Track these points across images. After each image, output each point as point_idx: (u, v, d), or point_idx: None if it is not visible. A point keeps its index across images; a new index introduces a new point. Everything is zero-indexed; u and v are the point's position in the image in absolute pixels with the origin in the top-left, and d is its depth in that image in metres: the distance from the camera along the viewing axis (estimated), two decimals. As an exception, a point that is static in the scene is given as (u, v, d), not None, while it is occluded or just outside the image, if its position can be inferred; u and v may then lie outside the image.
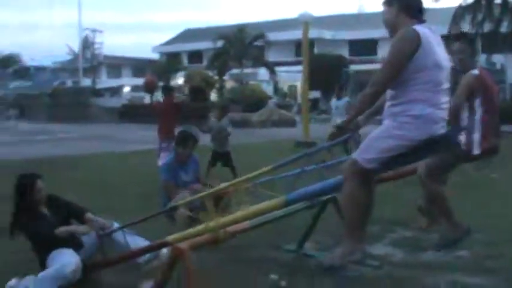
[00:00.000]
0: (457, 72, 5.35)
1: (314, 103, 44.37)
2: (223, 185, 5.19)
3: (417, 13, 4.52)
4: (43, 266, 5.36)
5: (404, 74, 4.31)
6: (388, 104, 4.52)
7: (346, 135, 4.73)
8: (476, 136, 5.08)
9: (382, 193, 6.46)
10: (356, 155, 4.45)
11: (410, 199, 7.53)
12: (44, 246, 5.37)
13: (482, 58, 42.68)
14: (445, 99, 4.45)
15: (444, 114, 4.43)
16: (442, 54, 4.45)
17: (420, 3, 4.62)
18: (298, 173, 5.15)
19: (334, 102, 16.71)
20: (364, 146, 4.45)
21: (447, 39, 10.53)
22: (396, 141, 4.31)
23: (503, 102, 45.65)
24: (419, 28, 4.33)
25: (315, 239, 6.70)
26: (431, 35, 4.40)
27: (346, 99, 16.31)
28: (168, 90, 13.43)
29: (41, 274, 5.17)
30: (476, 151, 5.07)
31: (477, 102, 5.03)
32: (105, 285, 5.65)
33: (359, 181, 4.42)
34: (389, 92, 4.51)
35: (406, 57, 4.26)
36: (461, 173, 7.34)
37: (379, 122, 4.54)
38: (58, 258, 5.23)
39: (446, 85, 4.46)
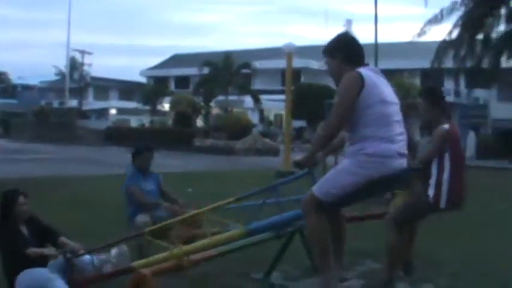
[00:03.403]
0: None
1: (299, 132, 44.62)
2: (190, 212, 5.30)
3: (359, 60, 4.79)
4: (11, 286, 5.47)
5: (354, 114, 4.54)
6: (347, 144, 4.75)
7: (305, 171, 4.87)
8: (445, 190, 5.13)
9: (355, 224, 6.59)
10: (315, 189, 4.61)
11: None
12: (14, 264, 5.49)
13: (463, 93, 43.42)
14: (397, 131, 4.64)
15: (399, 147, 4.60)
16: (387, 91, 4.69)
17: (361, 50, 4.90)
18: (259, 204, 5.28)
19: None
20: (324, 181, 4.63)
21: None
22: (354, 177, 4.49)
23: (485, 137, 46.27)
24: (362, 70, 4.61)
25: (282, 269, 6.80)
26: (374, 75, 4.67)
27: None
28: None
29: None
30: (443, 205, 5.15)
31: (446, 156, 5.10)
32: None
33: (319, 214, 4.58)
34: (346, 134, 4.72)
35: (353, 97, 4.51)
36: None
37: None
38: (30, 275, 5.37)
39: (396, 117, 4.67)
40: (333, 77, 4.87)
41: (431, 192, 4.96)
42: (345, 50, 4.82)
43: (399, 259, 5.48)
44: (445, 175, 5.01)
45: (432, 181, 4.94)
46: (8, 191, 5.80)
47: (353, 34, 5.04)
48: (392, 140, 4.55)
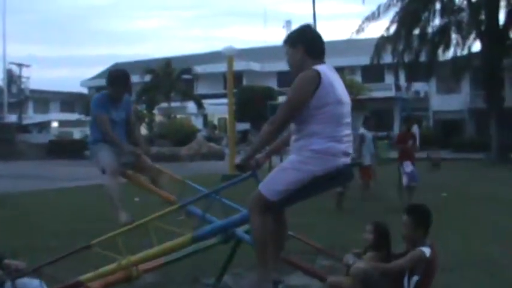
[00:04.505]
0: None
1: (244, 135, 44.71)
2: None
3: (319, 54, 4.75)
4: None
5: (307, 111, 4.49)
6: (292, 138, 4.70)
7: (248, 173, 4.84)
8: None
9: (305, 223, 6.60)
10: (261, 187, 4.58)
11: (332, 228, 7.60)
12: None
13: (404, 87, 44.21)
14: (346, 132, 4.64)
15: (345, 147, 4.61)
16: (341, 90, 4.66)
17: (323, 44, 4.84)
18: (203, 210, 5.25)
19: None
20: (269, 179, 4.59)
21: None
22: (300, 174, 4.47)
23: (427, 129, 47.16)
24: (319, 68, 4.55)
25: (233, 272, 6.76)
26: (330, 73, 4.62)
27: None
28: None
29: None
30: None
31: (415, 277, 4.97)
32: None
33: (265, 213, 4.54)
34: (293, 127, 4.69)
35: (307, 96, 4.45)
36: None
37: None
38: None
39: (347, 119, 4.67)
40: (292, 67, 4.79)
41: None
42: (307, 41, 4.75)
43: None
44: None
45: None
46: None
47: (316, 29, 4.96)
48: (340, 140, 4.56)
